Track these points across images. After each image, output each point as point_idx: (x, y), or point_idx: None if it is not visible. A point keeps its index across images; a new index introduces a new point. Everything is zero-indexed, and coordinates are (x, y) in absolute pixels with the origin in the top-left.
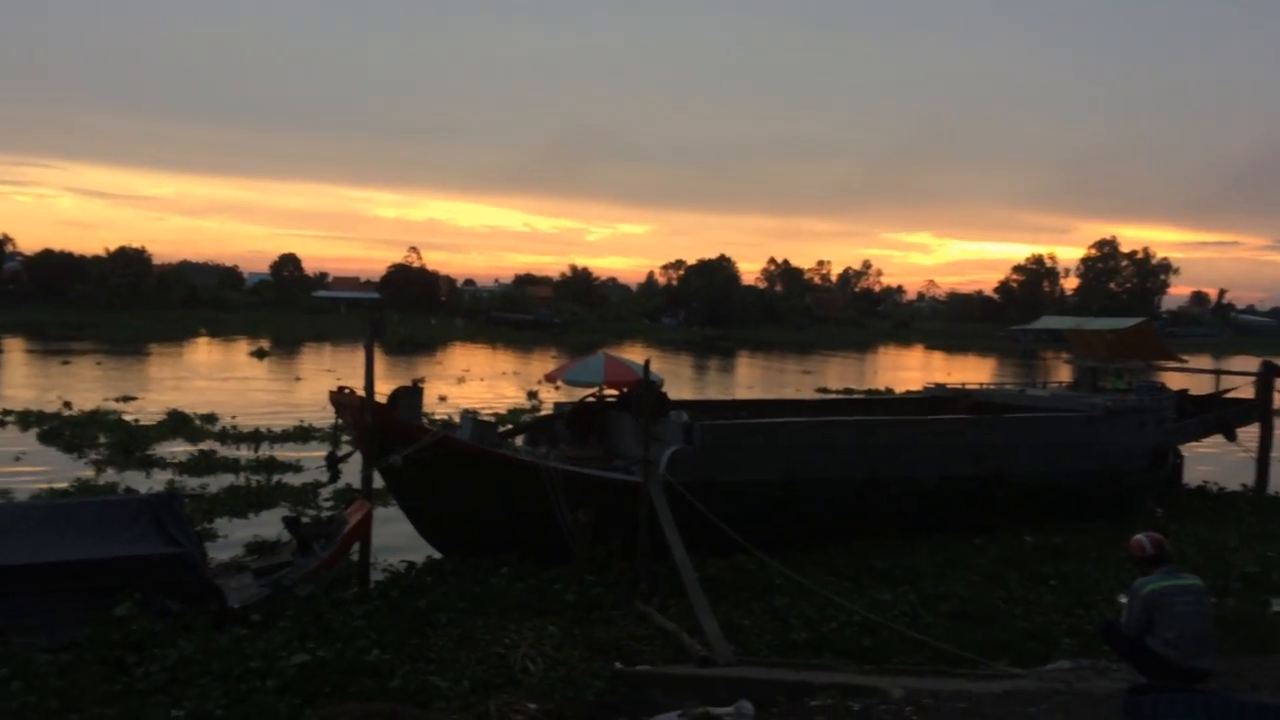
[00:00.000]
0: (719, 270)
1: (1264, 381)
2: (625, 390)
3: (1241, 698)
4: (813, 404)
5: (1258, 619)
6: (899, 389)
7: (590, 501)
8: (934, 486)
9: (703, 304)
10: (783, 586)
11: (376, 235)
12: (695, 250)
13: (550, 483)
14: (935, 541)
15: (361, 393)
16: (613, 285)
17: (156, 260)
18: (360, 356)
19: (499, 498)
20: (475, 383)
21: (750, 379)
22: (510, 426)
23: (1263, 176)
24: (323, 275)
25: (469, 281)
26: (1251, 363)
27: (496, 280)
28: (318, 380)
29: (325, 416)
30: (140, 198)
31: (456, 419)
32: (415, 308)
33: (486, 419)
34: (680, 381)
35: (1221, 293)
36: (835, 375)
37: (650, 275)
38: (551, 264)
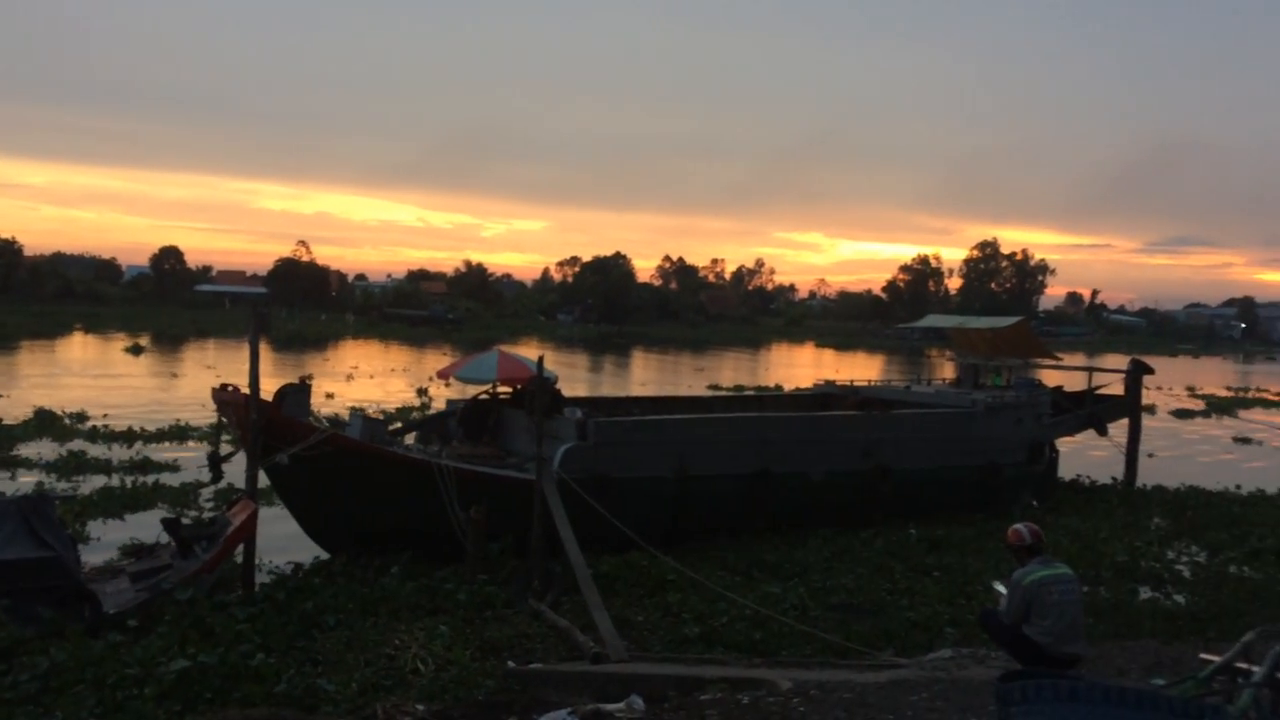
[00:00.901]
0: (615, 267)
1: (1133, 379)
2: (519, 387)
3: (1105, 681)
4: (705, 401)
5: (1126, 606)
6: (790, 386)
7: (483, 499)
8: (823, 481)
9: (598, 301)
10: (675, 582)
11: (264, 228)
12: (591, 247)
13: (442, 481)
14: (824, 535)
15: (246, 390)
16: (508, 282)
17: (28, 251)
18: (245, 353)
19: (390, 497)
20: (365, 380)
21: (645, 376)
22: (400, 425)
23: (1133, 183)
24: (206, 269)
25: (361, 276)
26: (1122, 361)
27: (389, 276)
28: (198, 377)
29: (205, 415)
30: (9, 185)
31: (346, 417)
32: (304, 303)
33: (375, 417)
34: (575, 379)
35: (1094, 293)
36: (728, 372)
37: (546, 272)
38: (446, 260)
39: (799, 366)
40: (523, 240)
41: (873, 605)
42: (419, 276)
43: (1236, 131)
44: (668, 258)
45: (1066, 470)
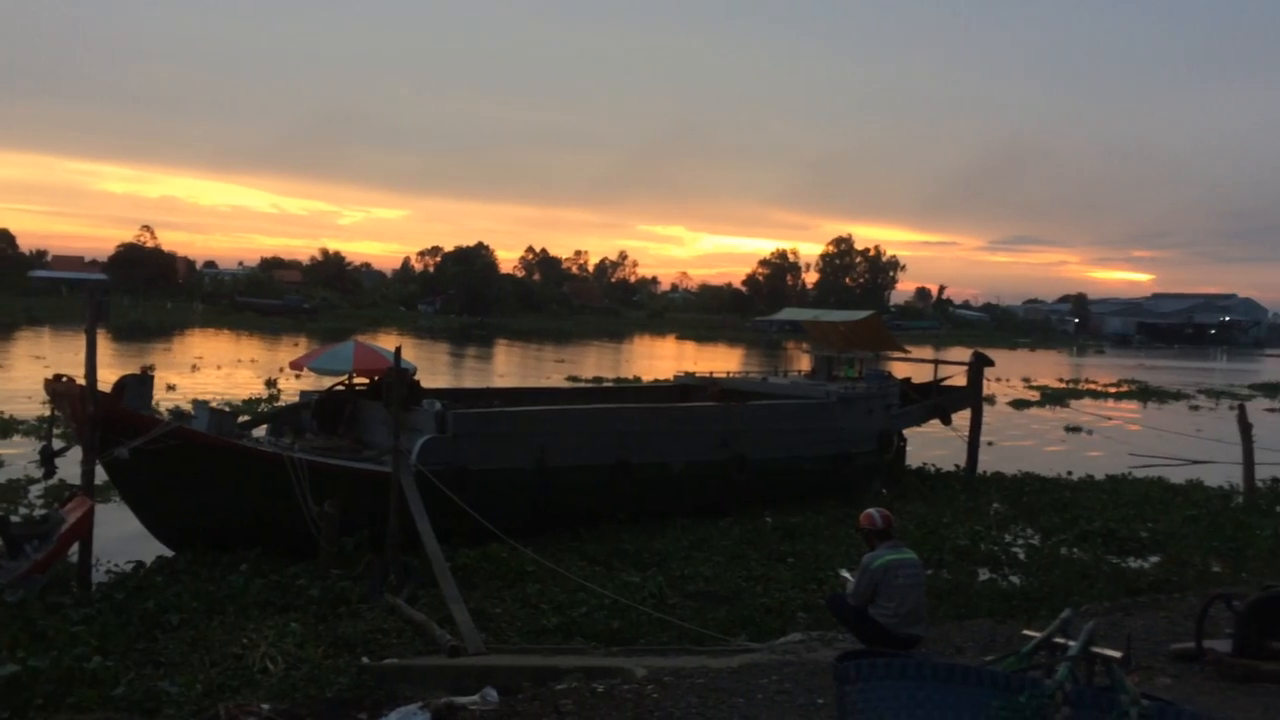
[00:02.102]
0: (477, 258)
1: (975, 371)
2: (376, 378)
3: (934, 659)
4: (566, 392)
5: (966, 587)
6: (651, 377)
7: (338, 493)
8: (682, 471)
9: (460, 292)
10: (535, 573)
11: (105, 212)
12: (453, 237)
13: (295, 474)
14: (683, 524)
15: (82, 381)
16: (367, 271)
17: None
18: (82, 342)
19: (238, 491)
20: (211, 371)
21: (507, 367)
22: (249, 417)
23: (978, 184)
24: (41, 253)
25: (210, 264)
26: (966, 353)
27: (241, 263)
28: (25, 368)
29: (34, 408)
30: None
31: (189, 409)
32: (149, 291)
33: (221, 408)
34: (436, 370)
35: (942, 289)
36: (591, 364)
37: (406, 261)
38: (301, 248)
39: (660, 358)
40: (382, 229)
41: (729, 592)
42: (273, 264)
43: (1072, 137)
44: (531, 249)
45: (914, 458)
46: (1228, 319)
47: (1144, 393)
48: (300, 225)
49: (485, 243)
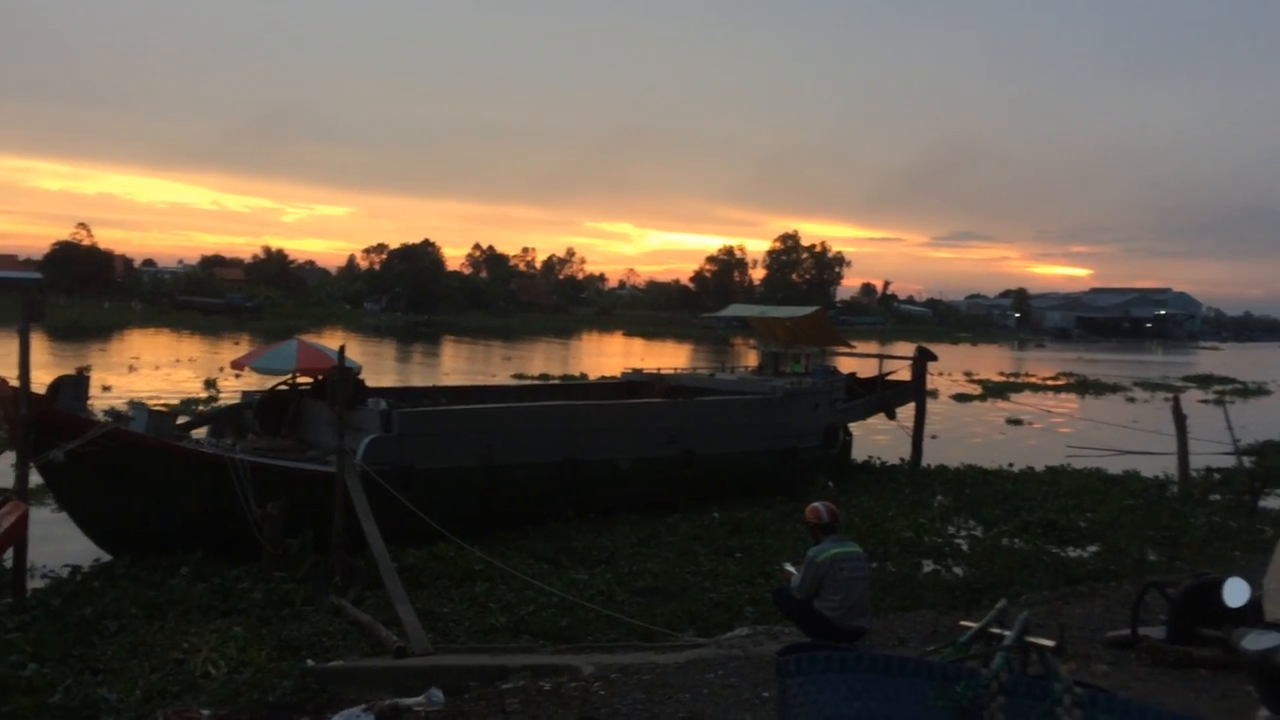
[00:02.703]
0: (423, 255)
1: (918, 365)
2: (320, 378)
3: (874, 651)
4: (514, 390)
5: (910, 579)
6: (599, 374)
7: (281, 494)
8: (630, 467)
9: (406, 289)
10: (483, 572)
11: (39, 209)
12: (399, 234)
13: (236, 475)
14: (632, 521)
15: (15, 382)
16: (311, 269)
17: None
18: (15, 343)
19: (178, 493)
20: (149, 371)
21: (454, 365)
22: (187, 419)
23: (921, 180)
24: None
25: (149, 262)
26: (910, 348)
27: (181, 261)
28: None
29: None
30: None
31: (125, 410)
32: (86, 290)
33: (160, 409)
34: (382, 368)
35: (886, 284)
36: (539, 361)
37: (351, 259)
38: (243, 245)
39: (608, 355)
40: (327, 226)
41: (677, 588)
42: (214, 262)
43: (1013, 135)
44: (478, 246)
45: (859, 452)
46: (1163, 313)
47: (1082, 385)
48: (242, 222)
49: (432, 240)
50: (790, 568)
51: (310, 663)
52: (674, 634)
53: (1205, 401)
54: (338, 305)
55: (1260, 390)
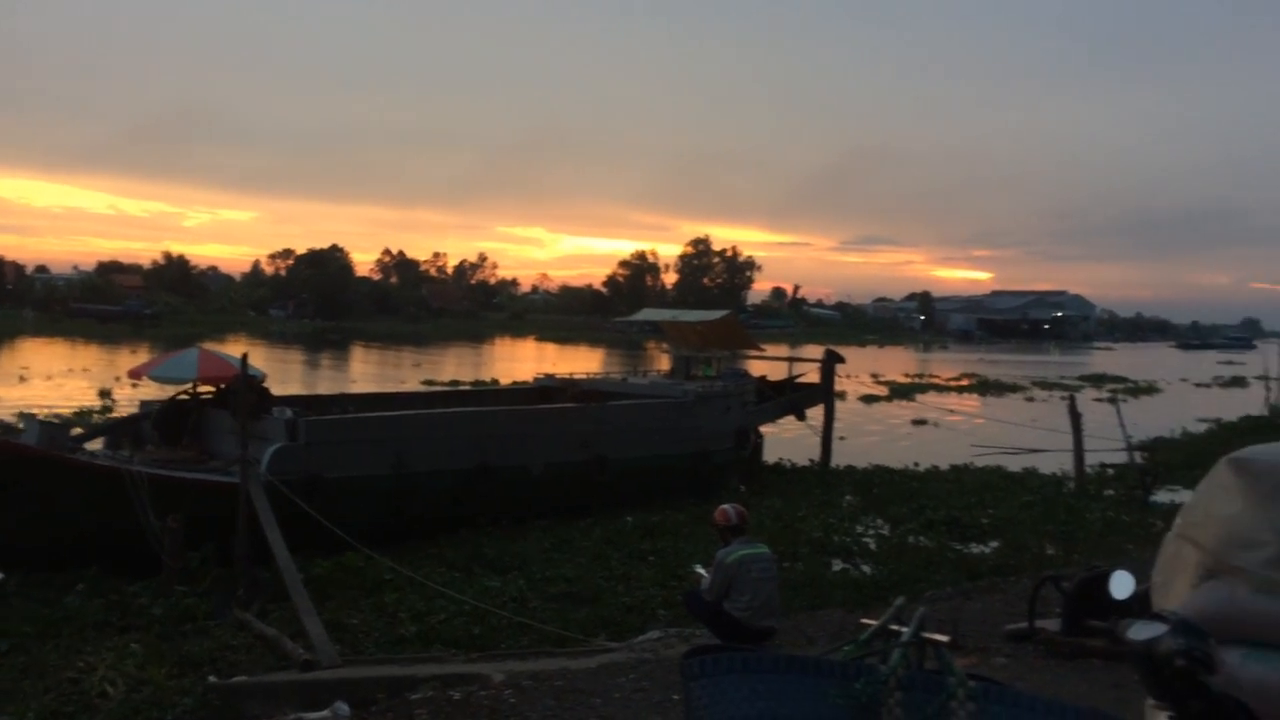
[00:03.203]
0: (331, 260)
1: (827, 368)
2: (222, 386)
3: (776, 652)
4: (424, 396)
5: (820, 579)
6: (511, 379)
7: (181, 506)
8: (543, 473)
9: (314, 296)
10: (392, 581)
11: None
12: (305, 240)
13: (134, 488)
14: (544, 526)
15: None
16: (214, 275)
17: None
18: None
19: (72, 507)
20: (40, 381)
21: (363, 372)
22: (82, 430)
23: (829, 186)
24: None
25: (42, 268)
26: (819, 351)
27: (76, 267)
28: None
29: None
30: None
31: (17, 422)
32: None
33: (53, 420)
34: (288, 376)
35: (796, 288)
36: (451, 367)
37: (256, 264)
38: (142, 251)
39: (521, 360)
40: (230, 231)
41: (590, 593)
42: (111, 269)
43: (917, 142)
44: (388, 251)
45: (770, 454)
46: (1060, 315)
47: (984, 386)
48: (141, 227)
49: (340, 245)
50: (701, 570)
51: (212, 679)
52: (586, 639)
53: (1099, 400)
54: (242, 312)
55: (1151, 389)
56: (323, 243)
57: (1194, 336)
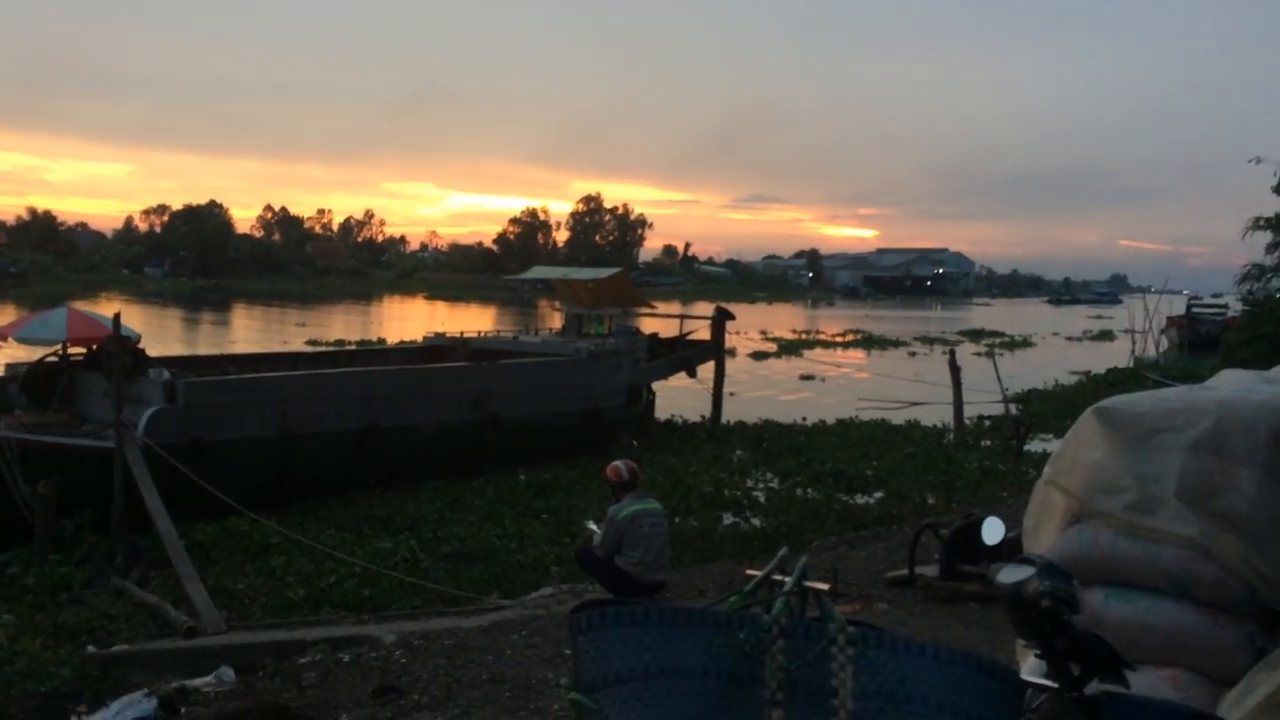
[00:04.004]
0: (209, 217)
1: (717, 325)
2: (94, 347)
3: (662, 605)
4: (311, 356)
5: (711, 532)
6: (401, 339)
7: (53, 472)
8: (434, 433)
9: (192, 253)
10: (280, 545)
11: None
12: (182, 195)
13: (1, 454)
14: (436, 486)
15: None
16: (84, 232)
17: None
18: None
19: None
20: None
21: (246, 333)
22: None
23: (719, 144)
24: None
25: None
26: (709, 308)
27: None
28: None
29: None
30: None
31: None
32: None
33: None
34: (166, 337)
35: (687, 246)
36: (338, 326)
37: (129, 221)
38: (5, 206)
39: (411, 319)
40: (100, 185)
41: (483, 551)
42: None
43: (805, 101)
44: (270, 207)
45: (662, 411)
46: (941, 272)
47: (869, 341)
48: (1, 181)
49: (219, 201)
50: (593, 526)
51: (91, 649)
52: (479, 598)
53: (978, 354)
54: (115, 270)
55: (1026, 343)
56: (200, 198)
57: (1065, 292)
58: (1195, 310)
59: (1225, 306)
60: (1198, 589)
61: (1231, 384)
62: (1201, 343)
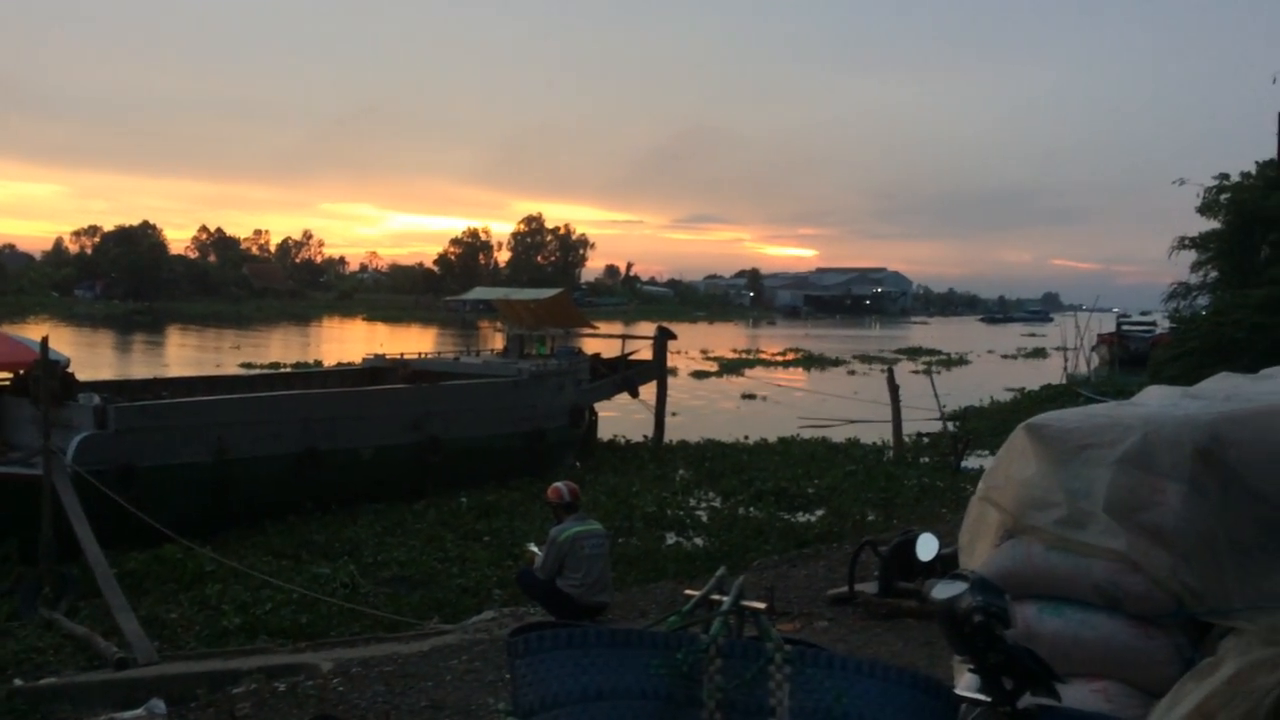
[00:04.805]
0: (142, 238)
1: (659, 345)
2: (21, 373)
3: (599, 627)
4: (249, 379)
5: (654, 553)
6: (340, 360)
7: None
8: (373, 456)
9: (124, 275)
10: (215, 573)
11: None
12: (114, 215)
13: None
14: (376, 510)
15: None
16: (11, 253)
17: None
18: None
19: None
20: None
21: (180, 356)
22: None
23: (662, 164)
24: None
25: None
26: (651, 328)
27: None
28: None
29: None
30: None
31: None
32: None
33: None
34: (98, 361)
35: (629, 266)
36: (276, 349)
37: (59, 242)
38: None
39: (350, 341)
40: (28, 206)
41: (424, 576)
42: None
43: (746, 122)
44: (205, 228)
45: (605, 431)
46: (880, 291)
47: (809, 360)
48: None
49: (152, 221)
50: (534, 548)
51: (18, 682)
52: (419, 622)
53: (915, 372)
54: (43, 293)
55: (962, 360)
56: (133, 219)
57: (998, 311)
58: (1125, 328)
59: (1154, 324)
60: (1127, 602)
61: (1157, 400)
62: (1131, 359)
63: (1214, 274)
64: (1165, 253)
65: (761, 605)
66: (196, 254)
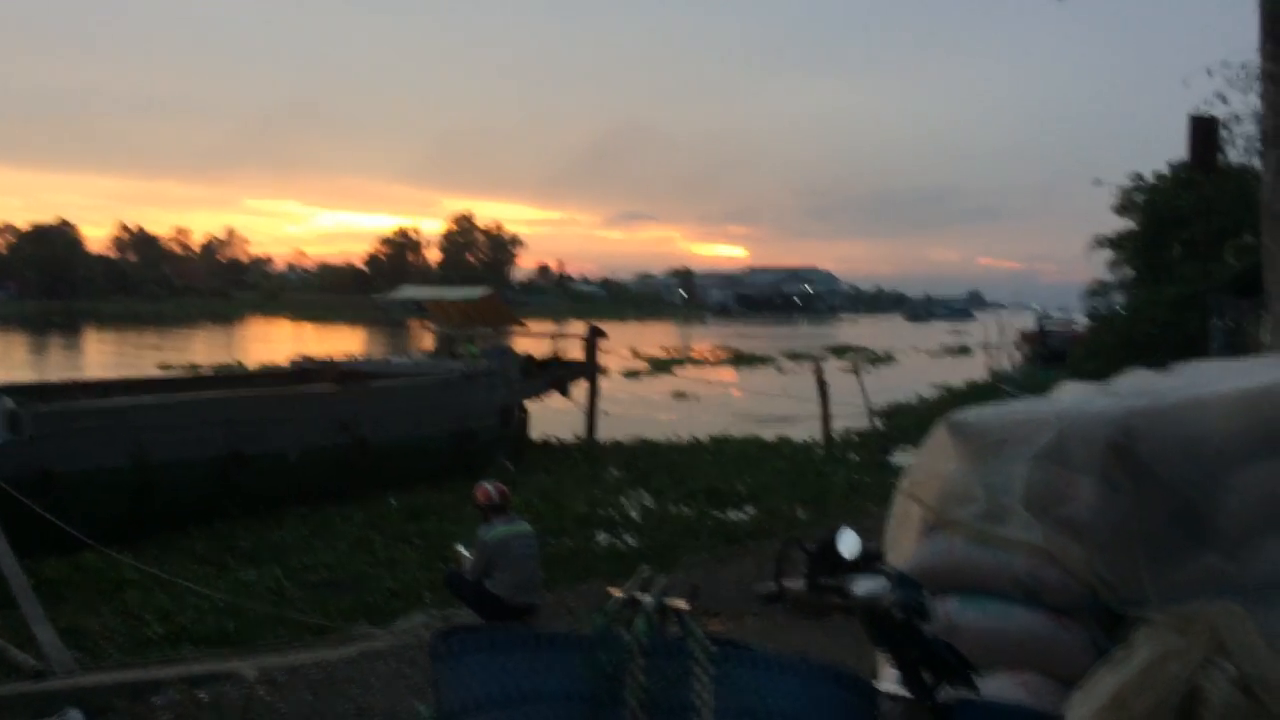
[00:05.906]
0: (58, 236)
1: (590, 344)
2: None
3: (523, 629)
4: (171, 382)
5: (585, 552)
6: (263, 361)
7: None
8: (299, 459)
9: (38, 274)
10: (137, 580)
11: None
12: (27, 213)
13: None
14: (303, 513)
15: None
16: None
17: None
18: None
19: None
20: None
21: (98, 358)
22: None
23: (593, 162)
24: None
25: None
26: (583, 327)
27: None
28: None
29: None
30: None
31: None
32: None
33: None
34: (11, 363)
35: (561, 264)
36: (199, 350)
37: None
38: None
39: (276, 341)
40: None
41: (352, 579)
42: None
43: (676, 121)
44: (124, 226)
45: (536, 431)
46: (809, 289)
47: (739, 359)
48: None
49: (67, 219)
50: (463, 550)
51: None
52: (348, 627)
53: (844, 370)
54: None
55: (889, 357)
56: (48, 216)
57: (922, 309)
58: (1046, 325)
59: (1073, 321)
60: (1045, 594)
61: (1073, 395)
62: (1052, 356)
63: (1129, 272)
64: (1084, 252)
65: (684, 604)
66: (116, 253)
